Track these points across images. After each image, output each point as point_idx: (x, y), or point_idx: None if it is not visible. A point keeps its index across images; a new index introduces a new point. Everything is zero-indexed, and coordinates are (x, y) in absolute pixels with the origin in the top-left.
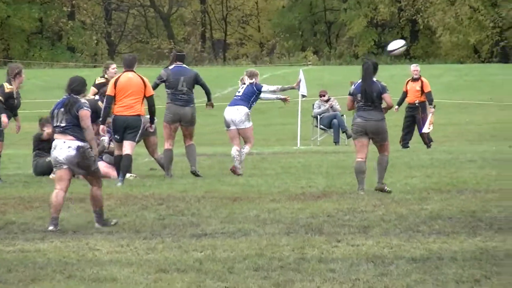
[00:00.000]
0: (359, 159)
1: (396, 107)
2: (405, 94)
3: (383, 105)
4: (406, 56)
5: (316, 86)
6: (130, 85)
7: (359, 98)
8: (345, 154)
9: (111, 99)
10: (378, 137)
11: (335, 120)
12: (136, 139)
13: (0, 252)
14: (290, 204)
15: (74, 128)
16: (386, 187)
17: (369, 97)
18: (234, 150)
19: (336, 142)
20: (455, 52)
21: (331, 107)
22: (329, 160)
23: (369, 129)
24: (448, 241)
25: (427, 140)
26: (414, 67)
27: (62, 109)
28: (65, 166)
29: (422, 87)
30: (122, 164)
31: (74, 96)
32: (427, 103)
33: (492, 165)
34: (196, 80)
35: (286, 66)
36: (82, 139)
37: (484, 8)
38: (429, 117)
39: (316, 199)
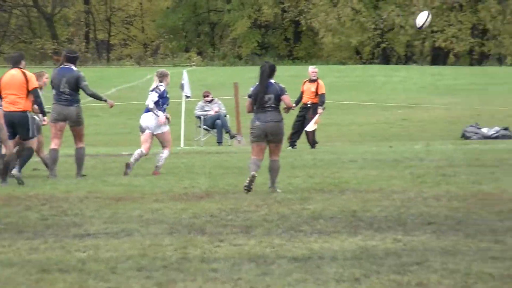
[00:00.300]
0: (255, 158)
1: (294, 105)
2: (302, 94)
3: (282, 106)
4: (289, 56)
5: (200, 87)
6: (13, 81)
7: (256, 100)
8: (228, 155)
9: None
10: (276, 138)
11: (218, 121)
12: (31, 134)
13: None
14: (173, 204)
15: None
16: (277, 190)
17: (266, 99)
18: (138, 150)
19: (220, 142)
20: (337, 53)
21: (217, 112)
22: (212, 160)
23: (268, 131)
24: (329, 240)
25: (311, 140)
26: (312, 69)
27: None
28: None
29: (317, 88)
30: (22, 155)
31: None
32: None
33: (372, 165)
34: (77, 82)
35: (170, 66)
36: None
37: (366, 10)
38: (316, 117)
39: (199, 199)
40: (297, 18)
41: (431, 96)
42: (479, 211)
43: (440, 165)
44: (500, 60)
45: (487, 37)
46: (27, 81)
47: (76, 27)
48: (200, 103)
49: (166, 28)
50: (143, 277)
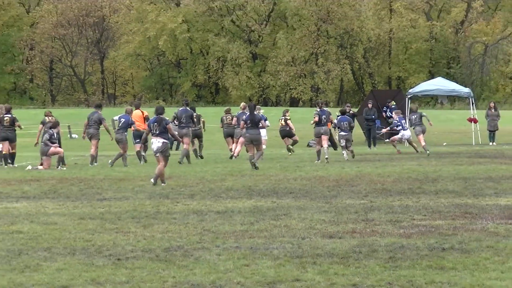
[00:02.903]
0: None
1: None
2: None
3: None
4: (212, 102)
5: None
6: (136, 115)
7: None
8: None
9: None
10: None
11: None
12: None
13: None
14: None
15: (162, 133)
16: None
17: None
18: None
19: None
20: (239, 100)
21: None
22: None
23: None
24: (236, 202)
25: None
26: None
27: (156, 123)
28: (157, 154)
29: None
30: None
31: (161, 116)
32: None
33: (262, 161)
34: (192, 116)
35: (147, 107)
36: (165, 139)
37: (253, 77)
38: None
39: (166, 179)
40: (217, 81)
41: None
42: (317, 186)
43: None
44: None
45: None
46: (143, 114)
47: (97, 86)
48: None
49: (146, 86)
50: (135, 222)
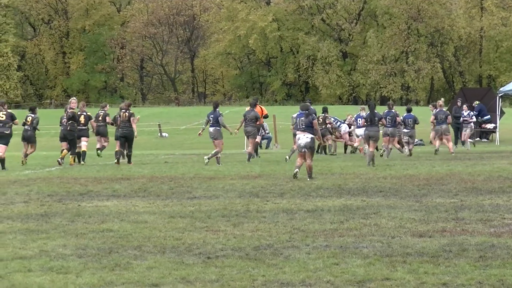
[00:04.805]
0: (371, 150)
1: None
2: None
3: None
4: (303, 100)
5: None
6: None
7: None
8: (271, 154)
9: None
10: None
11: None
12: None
13: (84, 206)
14: (240, 180)
15: (309, 128)
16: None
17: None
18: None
19: (267, 147)
20: (329, 99)
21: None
22: (262, 157)
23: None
24: (326, 201)
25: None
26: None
27: (303, 118)
28: (303, 150)
29: None
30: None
31: (307, 112)
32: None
33: (349, 159)
34: (257, 118)
35: (237, 106)
36: (313, 134)
37: (343, 75)
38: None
39: (255, 178)
40: (307, 80)
41: None
42: (407, 184)
43: (384, 160)
44: None
45: None
46: (262, 110)
47: (187, 84)
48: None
49: (236, 85)
50: (225, 220)
